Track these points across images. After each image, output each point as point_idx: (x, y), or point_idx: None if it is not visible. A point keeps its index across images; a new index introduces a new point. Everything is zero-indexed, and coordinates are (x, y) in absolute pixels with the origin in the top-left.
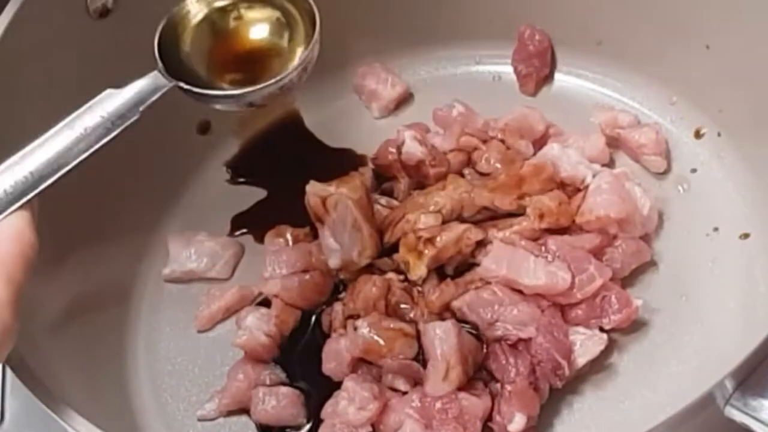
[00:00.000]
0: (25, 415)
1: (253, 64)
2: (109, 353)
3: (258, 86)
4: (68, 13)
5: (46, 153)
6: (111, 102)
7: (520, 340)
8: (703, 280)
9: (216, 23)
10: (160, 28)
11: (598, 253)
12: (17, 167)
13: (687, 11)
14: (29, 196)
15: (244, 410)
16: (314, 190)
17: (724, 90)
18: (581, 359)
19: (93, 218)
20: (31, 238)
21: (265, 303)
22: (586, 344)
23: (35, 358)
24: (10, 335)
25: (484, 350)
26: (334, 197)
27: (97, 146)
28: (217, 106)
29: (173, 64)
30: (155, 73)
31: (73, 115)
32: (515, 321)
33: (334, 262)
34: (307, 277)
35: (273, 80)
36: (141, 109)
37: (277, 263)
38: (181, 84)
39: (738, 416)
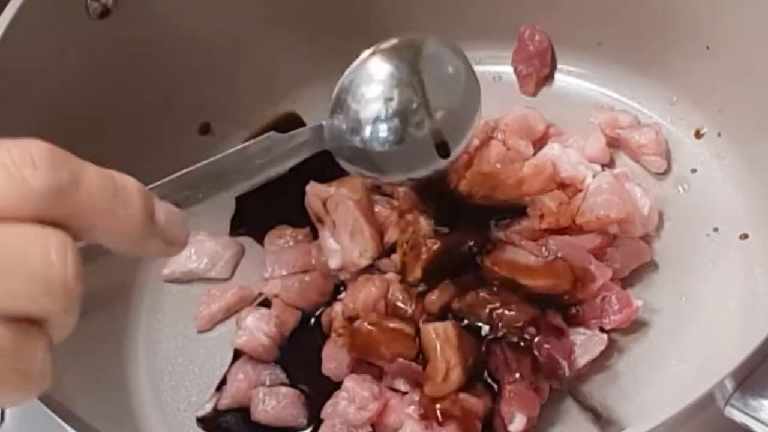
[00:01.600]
0: (24, 415)
1: None
2: (109, 353)
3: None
4: (68, 13)
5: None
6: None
7: (520, 340)
8: (703, 280)
9: None
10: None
11: (598, 253)
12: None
13: (687, 11)
14: None
15: (244, 410)
16: (314, 190)
17: (724, 90)
18: (581, 359)
19: None
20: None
21: (265, 303)
22: (586, 344)
23: None
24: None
25: (484, 350)
26: (334, 198)
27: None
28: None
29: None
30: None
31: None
32: (515, 321)
33: (334, 263)
34: (307, 277)
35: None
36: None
37: (277, 264)
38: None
39: (738, 416)
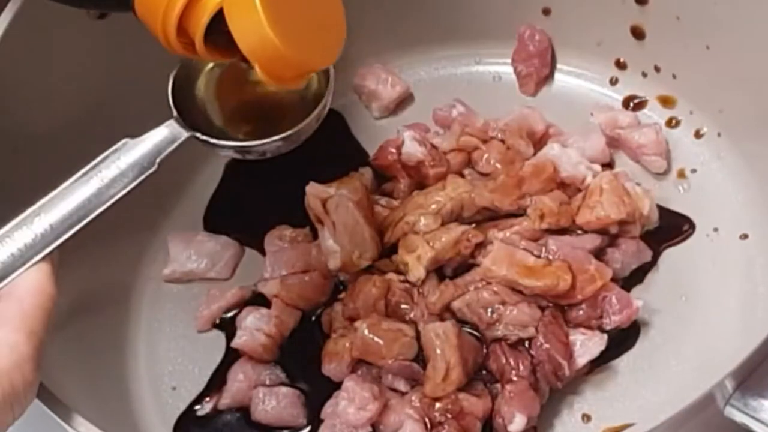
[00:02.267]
0: (24, 415)
1: (266, 112)
2: (109, 353)
3: (272, 138)
4: (68, 13)
5: (65, 206)
6: (128, 153)
7: (520, 340)
8: (703, 281)
9: (230, 70)
10: (173, 73)
11: (598, 254)
12: (36, 220)
13: (687, 12)
14: (48, 249)
15: (244, 410)
16: (314, 191)
17: (724, 90)
18: (581, 360)
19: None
20: (51, 291)
21: (265, 303)
22: (586, 344)
23: None
24: (32, 390)
25: (484, 350)
26: (334, 199)
27: (114, 199)
28: (231, 155)
29: (186, 111)
30: (171, 122)
31: (89, 165)
32: (515, 321)
33: (333, 264)
34: (307, 277)
35: (288, 133)
36: (158, 160)
37: (277, 264)
38: (197, 134)
39: (738, 416)
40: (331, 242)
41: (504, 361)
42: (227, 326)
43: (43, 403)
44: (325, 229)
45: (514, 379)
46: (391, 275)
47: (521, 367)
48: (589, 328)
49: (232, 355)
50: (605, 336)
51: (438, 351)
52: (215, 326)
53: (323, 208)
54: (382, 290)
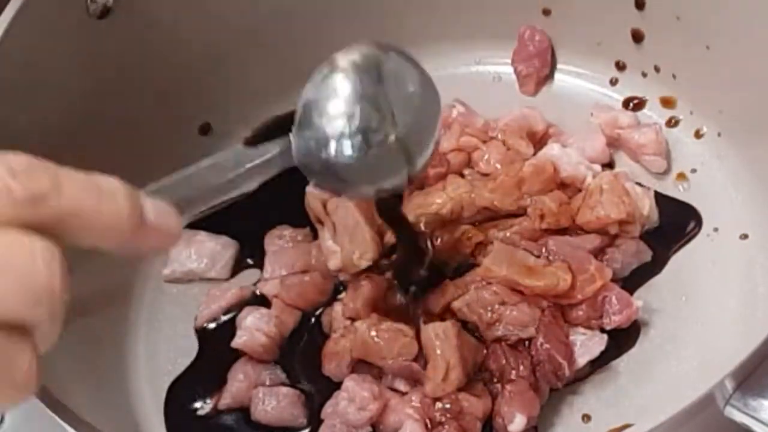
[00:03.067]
0: (24, 415)
1: None
2: (109, 353)
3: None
4: (68, 13)
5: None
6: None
7: (520, 340)
8: (703, 281)
9: None
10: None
11: (598, 254)
12: None
13: (687, 12)
14: None
15: (245, 410)
16: (315, 193)
17: (724, 90)
18: (581, 359)
19: None
20: None
21: (266, 303)
22: (586, 344)
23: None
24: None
25: (484, 351)
26: (334, 200)
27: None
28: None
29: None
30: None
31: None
32: (515, 321)
33: (334, 264)
34: (307, 277)
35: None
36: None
37: (277, 264)
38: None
39: (738, 416)
40: (331, 243)
41: (504, 361)
42: (228, 326)
43: (43, 402)
44: (325, 229)
45: (514, 379)
46: (391, 275)
47: (521, 367)
48: (589, 328)
49: (232, 355)
50: (605, 336)
51: (438, 351)
52: (216, 326)
53: (323, 208)
54: (382, 290)
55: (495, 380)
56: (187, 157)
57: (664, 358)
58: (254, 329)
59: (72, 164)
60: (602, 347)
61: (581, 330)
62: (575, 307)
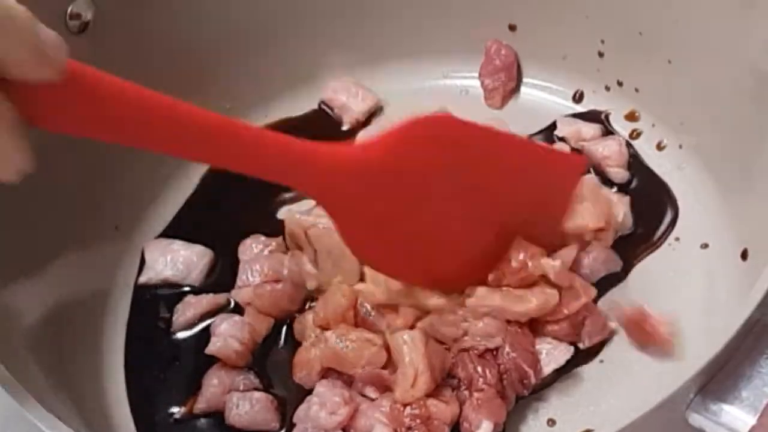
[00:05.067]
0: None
1: None
2: (86, 360)
3: None
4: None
5: None
6: None
7: (487, 349)
8: (665, 289)
9: None
10: None
11: (574, 265)
12: None
13: (649, 27)
14: None
15: (219, 415)
16: (294, 220)
17: (686, 103)
18: (547, 368)
19: (69, 225)
20: None
21: (239, 311)
22: (552, 353)
23: (14, 365)
24: None
25: (452, 358)
26: (316, 229)
27: None
28: None
29: None
30: None
31: None
32: (482, 333)
33: (311, 285)
34: (279, 286)
35: None
36: None
37: (251, 272)
38: None
39: (698, 420)
40: (310, 266)
41: (471, 369)
42: (203, 333)
43: (23, 407)
44: (305, 253)
45: (482, 386)
46: (361, 285)
47: (488, 375)
48: (560, 340)
49: (207, 361)
50: (571, 346)
51: (406, 358)
52: (191, 333)
53: (305, 236)
54: (351, 300)
55: (463, 387)
56: (164, 163)
57: (627, 364)
58: (228, 336)
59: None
60: (568, 356)
61: (548, 340)
62: (555, 323)
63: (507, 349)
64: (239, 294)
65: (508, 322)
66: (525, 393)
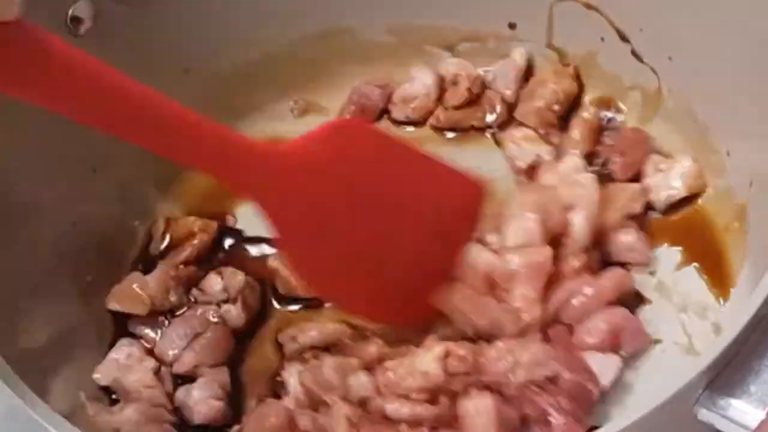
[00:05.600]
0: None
1: None
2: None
3: None
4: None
5: None
6: None
7: (546, 379)
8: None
9: None
10: None
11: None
12: None
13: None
14: None
15: None
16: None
17: None
18: (605, 381)
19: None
20: None
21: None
22: (601, 366)
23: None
24: None
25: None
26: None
27: None
28: None
29: None
30: None
31: None
32: (534, 362)
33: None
34: (204, 339)
35: None
36: None
37: (171, 343)
38: None
39: (707, 415)
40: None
41: (543, 402)
42: None
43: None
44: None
45: (559, 417)
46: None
47: (562, 404)
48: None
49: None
50: (616, 356)
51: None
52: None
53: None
54: (284, 420)
55: (537, 426)
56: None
57: (635, 360)
58: (205, 400)
59: None
60: (617, 367)
61: (593, 353)
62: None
63: (566, 374)
64: (177, 365)
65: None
66: (592, 411)
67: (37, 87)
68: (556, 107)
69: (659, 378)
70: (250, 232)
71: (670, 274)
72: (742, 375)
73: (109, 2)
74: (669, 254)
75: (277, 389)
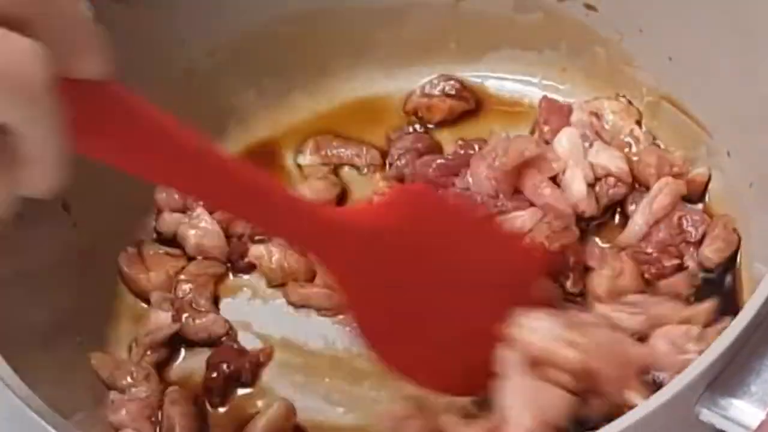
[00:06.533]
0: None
1: None
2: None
3: None
4: None
5: None
6: None
7: None
8: None
9: None
10: None
11: None
12: None
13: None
14: None
15: None
16: None
17: None
18: None
19: None
20: None
21: None
22: None
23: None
24: None
25: None
26: None
27: None
28: None
29: None
30: None
31: None
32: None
33: None
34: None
35: None
36: None
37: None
38: None
39: (708, 416)
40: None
41: None
42: None
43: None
44: None
45: None
46: None
47: None
48: None
49: None
50: None
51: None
52: None
53: None
54: None
55: None
56: None
57: None
58: None
59: None
60: None
61: None
62: None
63: None
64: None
65: None
66: None
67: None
68: None
69: None
70: None
71: None
72: (743, 375)
73: (109, 2)
74: None
75: None
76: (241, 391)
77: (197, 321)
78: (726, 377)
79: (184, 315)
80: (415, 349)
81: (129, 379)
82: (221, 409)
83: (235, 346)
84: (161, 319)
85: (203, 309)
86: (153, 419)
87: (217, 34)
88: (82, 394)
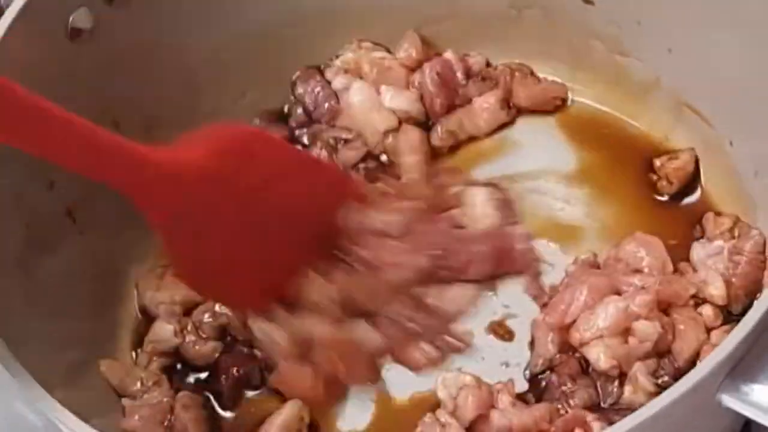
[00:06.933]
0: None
1: None
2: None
3: None
4: (50, 38)
5: None
6: None
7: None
8: None
9: None
10: None
11: None
12: None
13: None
14: None
15: None
16: None
17: None
18: None
19: None
20: None
21: None
22: None
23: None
24: None
25: None
26: None
27: None
28: None
29: None
30: None
31: None
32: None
33: None
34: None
35: None
36: None
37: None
38: None
39: (730, 402)
40: None
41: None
42: None
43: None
44: None
45: None
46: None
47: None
48: None
49: None
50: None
51: None
52: None
53: None
54: None
55: None
56: None
57: None
58: None
59: None
60: None
61: None
62: None
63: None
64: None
65: None
66: None
67: None
68: None
69: None
70: None
71: None
72: (764, 360)
73: (108, 8)
74: None
75: None
76: (250, 394)
77: (197, 347)
78: (746, 363)
79: (187, 337)
80: (225, 277)
81: (139, 385)
82: (232, 413)
83: (245, 351)
84: (164, 331)
85: (205, 335)
86: (165, 424)
87: (217, 37)
88: (93, 401)
